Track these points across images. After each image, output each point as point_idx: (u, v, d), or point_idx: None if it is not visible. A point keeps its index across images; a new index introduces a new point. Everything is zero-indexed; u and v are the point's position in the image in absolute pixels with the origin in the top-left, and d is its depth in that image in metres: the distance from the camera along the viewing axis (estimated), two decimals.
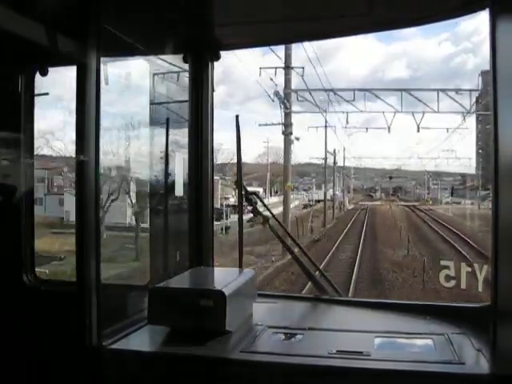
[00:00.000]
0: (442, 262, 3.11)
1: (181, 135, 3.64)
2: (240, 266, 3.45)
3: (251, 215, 3.55)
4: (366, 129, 35.07)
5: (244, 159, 3.71)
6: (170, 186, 3.54)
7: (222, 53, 3.60)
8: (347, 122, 31.24)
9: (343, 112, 29.67)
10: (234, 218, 29.16)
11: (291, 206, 31.12)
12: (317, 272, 3.82)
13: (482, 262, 2.95)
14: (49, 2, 2.76)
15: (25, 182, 3.52)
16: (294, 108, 28.20)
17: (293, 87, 27.26)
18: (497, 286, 2.29)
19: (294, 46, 25.97)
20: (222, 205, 35.39)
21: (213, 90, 3.64)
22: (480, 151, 57.71)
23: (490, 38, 2.34)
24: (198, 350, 2.50)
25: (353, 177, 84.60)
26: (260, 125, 33.39)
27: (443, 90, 25.07)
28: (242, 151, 3.56)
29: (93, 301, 2.56)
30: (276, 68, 25.11)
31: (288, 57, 25.48)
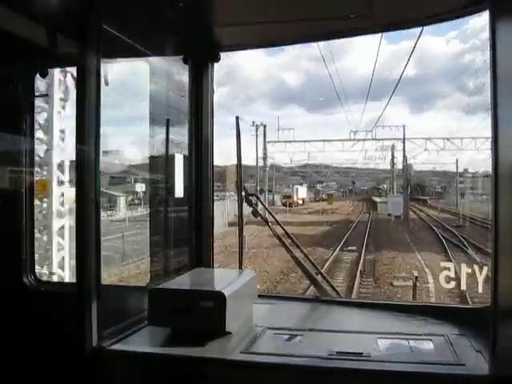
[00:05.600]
0: None
1: (181, 136, 3.64)
2: (240, 267, 3.45)
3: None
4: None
5: None
6: (170, 187, 3.54)
7: (224, 53, 3.61)
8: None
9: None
10: None
11: None
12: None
13: None
14: (49, 3, 2.77)
15: (25, 182, 3.52)
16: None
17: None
18: (497, 287, 2.29)
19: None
20: None
21: (213, 91, 3.65)
22: None
23: (490, 38, 2.34)
24: (198, 351, 2.50)
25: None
26: None
27: None
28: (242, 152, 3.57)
29: (93, 302, 2.56)
30: None
31: None
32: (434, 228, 30.78)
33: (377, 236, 27.30)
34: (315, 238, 26.28)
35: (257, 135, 45.76)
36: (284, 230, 3.69)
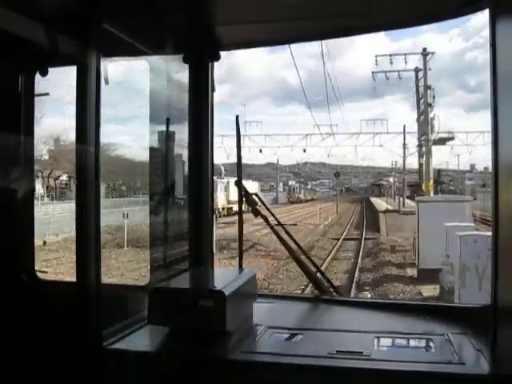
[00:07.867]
0: None
1: (181, 136, 3.63)
2: (240, 266, 3.45)
3: None
4: None
5: None
6: (169, 187, 3.54)
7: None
8: None
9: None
10: None
11: None
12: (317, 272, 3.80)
13: None
14: (49, 2, 2.77)
15: (25, 181, 3.52)
16: None
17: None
18: (497, 286, 2.30)
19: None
20: None
21: (213, 91, 3.64)
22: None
23: (490, 38, 2.34)
24: (198, 350, 2.50)
25: None
26: None
27: None
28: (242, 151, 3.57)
29: (93, 301, 2.56)
30: None
31: None
32: None
33: None
34: None
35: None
36: (284, 228, 3.68)
